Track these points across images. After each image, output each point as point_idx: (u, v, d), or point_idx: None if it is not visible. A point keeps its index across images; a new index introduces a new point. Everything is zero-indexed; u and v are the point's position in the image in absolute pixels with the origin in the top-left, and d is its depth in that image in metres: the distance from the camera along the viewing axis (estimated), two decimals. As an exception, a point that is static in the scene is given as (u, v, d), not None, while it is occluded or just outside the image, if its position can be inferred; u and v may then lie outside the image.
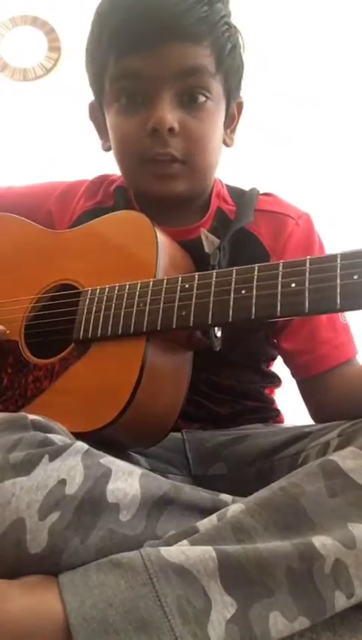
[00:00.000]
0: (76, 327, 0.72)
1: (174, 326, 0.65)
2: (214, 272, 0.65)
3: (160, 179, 0.78)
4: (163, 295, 0.66)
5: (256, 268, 0.62)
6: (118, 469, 0.53)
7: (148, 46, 0.73)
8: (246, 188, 0.90)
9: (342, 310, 0.57)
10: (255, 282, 0.61)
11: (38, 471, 0.50)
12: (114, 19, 0.75)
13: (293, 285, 0.59)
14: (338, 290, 0.56)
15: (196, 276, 0.66)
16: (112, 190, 0.90)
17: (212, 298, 0.63)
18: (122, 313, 0.68)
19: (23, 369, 0.75)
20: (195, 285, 0.65)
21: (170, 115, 0.74)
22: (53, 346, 0.75)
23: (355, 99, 2.39)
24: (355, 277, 0.56)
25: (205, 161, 0.80)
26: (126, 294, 0.69)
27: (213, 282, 0.64)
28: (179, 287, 0.66)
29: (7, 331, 0.78)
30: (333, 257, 0.58)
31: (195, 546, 0.47)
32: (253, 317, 0.61)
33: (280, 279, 0.60)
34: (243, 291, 0.62)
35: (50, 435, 0.55)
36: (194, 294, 0.65)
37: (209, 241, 0.77)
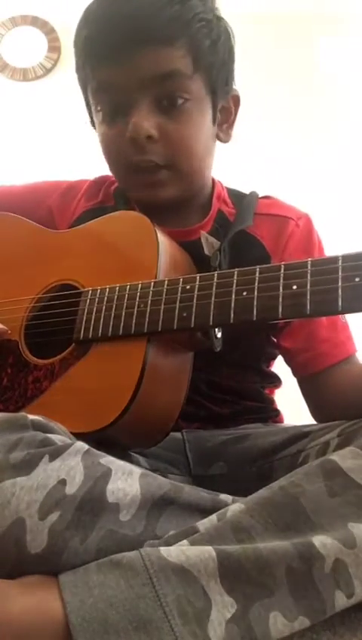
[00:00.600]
0: (77, 328, 0.72)
1: (175, 327, 0.65)
2: (215, 273, 0.65)
3: (148, 187, 0.78)
4: (164, 296, 0.66)
5: (258, 269, 0.62)
6: (118, 469, 0.53)
7: (120, 55, 0.72)
8: (247, 191, 0.90)
9: (344, 312, 0.57)
10: (256, 284, 0.61)
11: (38, 471, 0.50)
12: (88, 30, 0.75)
13: (295, 287, 0.59)
14: (340, 292, 0.56)
15: (197, 277, 0.66)
16: (112, 191, 0.90)
17: (213, 299, 0.64)
18: (123, 314, 0.68)
19: (23, 369, 0.75)
20: (196, 286, 0.65)
21: (147, 123, 0.74)
22: (53, 346, 0.75)
23: (355, 99, 2.39)
24: (357, 279, 0.56)
25: (191, 164, 0.79)
26: (127, 295, 0.69)
27: (215, 283, 0.64)
28: (180, 289, 0.66)
29: (9, 331, 0.78)
30: (335, 259, 0.58)
31: (195, 546, 0.47)
32: (254, 318, 0.61)
33: (281, 281, 0.60)
34: (244, 293, 0.62)
35: (50, 435, 0.55)
36: (196, 295, 0.65)
37: (209, 244, 0.77)
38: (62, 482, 0.50)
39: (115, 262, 0.75)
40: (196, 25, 0.74)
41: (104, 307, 0.70)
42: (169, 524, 0.51)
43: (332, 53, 2.41)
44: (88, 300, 0.72)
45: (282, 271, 0.60)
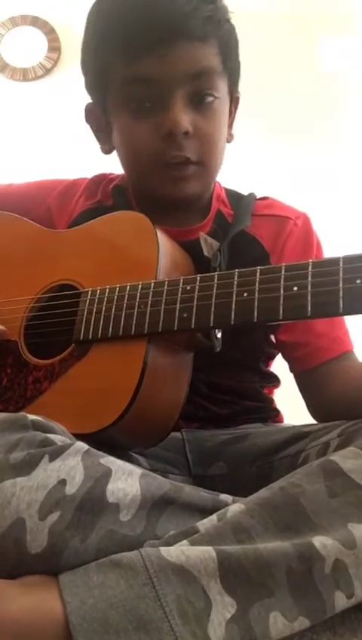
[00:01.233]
0: (76, 328, 0.72)
1: (176, 328, 0.65)
2: (216, 274, 0.65)
3: (175, 181, 0.78)
4: (164, 297, 0.66)
5: (258, 271, 0.62)
6: (118, 469, 0.53)
7: (160, 49, 0.73)
8: (245, 191, 0.90)
9: (344, 314, 0.57)
10: (257, 285, 0.61)
11: (38, 471, 0.50)
12: (121, 22, 0.74)
13: (295, 289, 0.59)
14: (341, 294, 0.56)
15: (198, 278, 0.66)
16: (111, 189, 0.90)
17: (214, 300, 0.63)
18: (123, 314, 0.68)
19: (22, 369, 0.75)
20: (197, 287, 0.65)
21: (186, 118, 0.74)
22: (53, 346, 0.75)
23: (357, 98, 2.39)
24: (358, 281, 0.56)
25: (216, 161, 0.81)
26: (127, 295, 0.69)
27: (215, 284, 0.64)
28: (180, 289, 0.66)
29: (8, 331, 0.77)
30: (336, 261, 0.58)
31: (195, 546, 0.47)
32: (255, 320, 0.61)
33: (282, 282, 0.60)
34: (245, 294, 0.62)
35: (50, 435, 0.55)
36: (196, 296, 0.65)
37: (208, 245, 0.77)
38: (63, 482, 0.50)
39: (115, 262, 0.75)
40: (225, 26, 0.77)
41: (104, 307, 0.70)
42: (169, 524, 0.52)
43: (334, 52, 2.41)
44: (88, 301, 0.72)
45: (283, 272, 0.60)
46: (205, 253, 0.76)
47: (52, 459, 0.52)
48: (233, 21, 0.81)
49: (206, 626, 0.43)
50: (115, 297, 0.70)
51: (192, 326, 0.64)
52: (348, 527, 0.48)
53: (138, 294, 0.68)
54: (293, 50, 2.39)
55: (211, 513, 0.52)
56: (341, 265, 0.57)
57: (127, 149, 0.81)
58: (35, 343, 0.77)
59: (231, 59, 0.79)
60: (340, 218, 2.13)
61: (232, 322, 0.62)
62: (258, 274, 0.62)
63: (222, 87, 0.78)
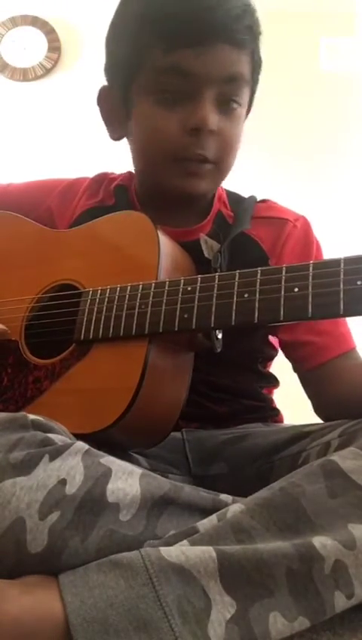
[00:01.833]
0: (77, 328, 0.72)
1: (176, 328, 0.65)
2: (217, 274, 0.65)
3: (188, 176, 0.78)
4: (165, 297, 0.66)
5: (259, 272, 0.62)
6: (118, 469, 0.53)
7: (203, 44, 0.73)
8: (245, 193, 0.91)
9: (345, 315, 0.57)
10: (258, 286, 0.61)
11: (38, 471, 0.50)
12: (164, 9, 0.74)
13: (296, 290, 0.59)
14: (342, 295, 0.56)
15: (198, 279, 0.66)
16: (112, 189, 0.90)
17: (214, 301, 0.64)
18: (123, 315, 0.68)
19: (23, 369, 0.75)
20: (198, 288, 0.65)
21: (214, 117, 0.75)
22: (53, 346, 0.75)
23: (357, 98, 2.39)
24: (358, 282, 0.56)
25: (230, 165, 0.82)
26: (127, 295, 0.69)
27: (216, 285, 0.64)
28: (181, 290, 0.66)
29: (9, 331, 0.77)
30: (337, 262, 0.58)
31: (195, 546, 0.47)
32: (255, 321, 0.61)
33: (283, 283, 0.60)
34: (246, 295, 0.62)
35: (50, 435, 0.55)
36: (197, 297, 0.65)
37: (208, 246, 0.77)
38: (63, 482, 0.50)
39: (116, 262, 0.75)
40: (258, 39, 0.79)
41: (105, 308, 0.70)
42: (169, 524, 0.52)
43: (334, 52, 2.41)
44: (89, 301, 0.72)
45: (283, 273, 0.60)
46: (205, 254, 0.76)
47: (52, 459, 0.52)
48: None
49: (206, 626, 0.44)
50: (116, 297, 0.70)
51: (193, 326, 0.64)
52: (348, 527, 0.48)
53: (139, 294, 0.68)
54: (293, 50, 2.39)
55: (211, 513, 0.52)
56: (342, 266, 0.57)
57: (146, 136, 0.80)
58: (36, 343, 0.77)
59: (257, 72, 0.81)
60: (340, 218, 2.14)
61: (233, 323, 0.62)
62: (259, 275, 0.62)
63: (245, 97, 0.80)
